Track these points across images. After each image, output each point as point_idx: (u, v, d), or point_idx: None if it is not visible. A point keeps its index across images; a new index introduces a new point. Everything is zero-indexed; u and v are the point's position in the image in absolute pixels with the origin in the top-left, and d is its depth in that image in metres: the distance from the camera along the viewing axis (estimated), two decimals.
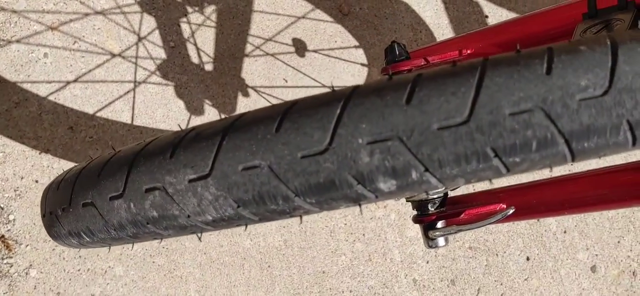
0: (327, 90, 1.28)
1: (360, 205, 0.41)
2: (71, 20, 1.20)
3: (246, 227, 0.45)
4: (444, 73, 0.39)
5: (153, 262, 1.15)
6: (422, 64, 0.83)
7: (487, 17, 1.44)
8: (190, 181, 0.43)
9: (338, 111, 0.39)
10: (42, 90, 1.16)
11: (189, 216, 0.44)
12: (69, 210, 0.53)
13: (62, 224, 0.55)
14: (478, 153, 0.37)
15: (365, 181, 0.38)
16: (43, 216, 0.59)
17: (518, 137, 0.37)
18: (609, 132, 0.37)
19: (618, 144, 0.38)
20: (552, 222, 1.29)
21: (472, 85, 0.37)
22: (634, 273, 1.28)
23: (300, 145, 0.39)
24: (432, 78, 0.38)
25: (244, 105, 1.25)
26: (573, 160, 0.38)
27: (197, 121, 1.23)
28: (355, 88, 0.40)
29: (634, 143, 0.38)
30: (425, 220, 0.76)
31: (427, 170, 0.38)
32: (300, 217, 0.42)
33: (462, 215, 0.76)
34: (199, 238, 0.46)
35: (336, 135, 0.38)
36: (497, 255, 1.26)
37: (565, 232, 1.28)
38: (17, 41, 1.16)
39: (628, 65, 0.37)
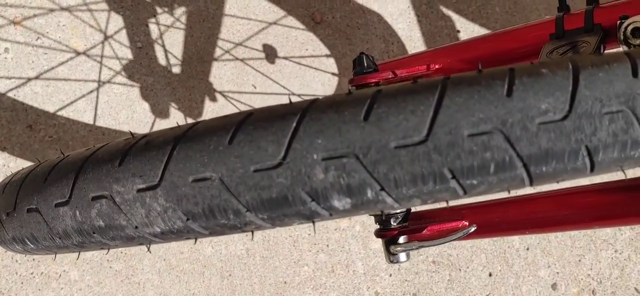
0: (296, 97, 1.27)
1: (313, 223, 0.40)
2: (35, 15, 1.17)
3: (196, 241, 0.44)
4: (403, 90, 0.38)
5: (110, 267, 1.12)
6: (390, 76, 0.82)
7: (459, 31, 1.44)
8: (138, 191, 0.41)
9: (294, 125, 0.37)
10: (1, 86, 1.12)
11: (136, 227, 0.42)
12: (14, 215, 0.50)
13: (6, 229, 0.52)
14: (435, 173, 0.36)
15: (319, 198, 0.37)
16: None
17: (476, 159, 0.36)
18: (567, 157, 0.36)
19: (576, 170, 0.37)
20: (515, 239, 1.30)
21: (432, 104, 0.36)
22: (593, 291, 1.30)
23: (253, 159, 0.38)
24: (391, 95, 0.37)
25: (211, 110, 1.23)
26: (531, 184, 0.38)
27: (162, 124, 1.21)
28: (313, 102, 0.39)
29: (592, 169, 0.38)
30: (387, 234, 0.75)
31: (383, 189, 0.37)
32: (252, 232, 0.41)
33: (424, 231, 0.75)
34: (148, 250, 0.44)
35: (291, 150, 0.37)
36: (460, 270, 1.26)
37: (527, 249, 1.29)
38: None
39: (589, 90, 0.36)
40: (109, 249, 0.47)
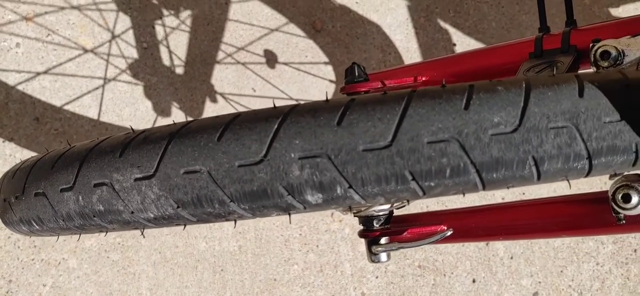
0: (293, 102, 1.32)
1: (289, 214, 0.44)
2: (46, 13, 1.22)
3: (185, 227, 0.49)
4: (374, 100, 0.42)
5: (108, 257, 1.16)
6: (379, 86, 0.87)
7: (455, 45, 1.49)
8: (135, 179, 0.45)
9: (275, 126, 0.42)
10: (11, 79, 1.18)
11: (132, 212, 0.47)
12: (22, 198, 0.55)
13: (14, 211, 0.57)
14: (397, 175, 0.41)
15: (294, 192, 0.42)
16: None
17: (434, 163, 0.40)
18: (516, 166, 0.41)
19: (524, 178, 0.42)
20: (500, 247, 1.34)
21: (397, 114, 0.41)
22: None
23: (238, 155, 0.42)
24: (362, 103, 0.42)
25: (212, 110, 1.28)
26: (484, 188, 0.42)
27: (163, 122, 1.26)
28: (294, 107, 0.43)
29: (538, 178, 0.42)
30: (369, 235, 0.80)
31: (350, 187, 0.41)
32: (235, 221, 0.46)
33: (405, 233, 0.80)
34: (142, 234, 0.49)
35: (271, 149, 0.42)
36: (444, 275, 1.30)
37: (511, 258, 1.33)
38: None
39: (537, 106, 0.41)
40: (107, 232, 0.51)
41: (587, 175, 0.42)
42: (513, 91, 0.42)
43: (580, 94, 0.42)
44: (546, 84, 0.42)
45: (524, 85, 0.42)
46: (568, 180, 0.43)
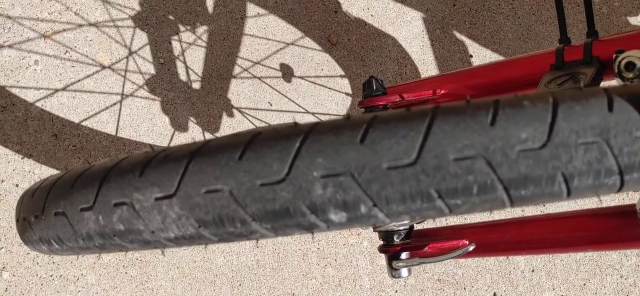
0: (310, 116, 1.31)
1: (312, 233, 0.43)
2: (64, 30, 1.23)
3: (206, 246, 0.48)
4: (397, 117, 0.41)
5: (126, 273, 1.16)
6: (397, 100, 0.86)
7: (471, 56, 1.48)
8: (156, 199, 0.45)
9: (297, 145, 0.41)
10: (29, 96, 1.18)
11: (153, 232, 0.46)
12: (42, 218, 0.55)
13: (34, 230, 0.57)
14: (422, 193, 0.40)
15: (317, 211, 0.41)
16: (17, 221, 0.61)
17: (460, 181, 0.39)
18: (544, 182, 0.40)
19: (553, 194, 0.41)
20: (520, 260, 1.32)
21: (421, 131, 0.40)
22: None
23: (260, 174, 0.42)
24: (385, 120, 0.41)
25: (228, 125, 1.28)
26: (511, 205, 0.41)
27: (181, 137, 1.26)
28: (315, 125, 0.43)
29: (568, 195, 0.41)
30: (390, 250, 0.79)
31: (375, 205, 0.40)
32: (257, 240, 0.45)
33: (425, 248, 0.79)
34: (163, 253, 0.48)
35: (294, 167, 0.41)
36: (464, 289, 1.29)
37: (533, 271, 1.31)
38: (9, 46, 1.18)
39: (566, 122, 0.40)
40: (126, 251, 0.51)
41: (619, 190, 0.41)
42: (540, 106, 0.41)
43: (610, 108, 0.41)
44: (574, 98, 0.41)
45: (551, 99, 0.41)
46: (599, 197, 0.42)
